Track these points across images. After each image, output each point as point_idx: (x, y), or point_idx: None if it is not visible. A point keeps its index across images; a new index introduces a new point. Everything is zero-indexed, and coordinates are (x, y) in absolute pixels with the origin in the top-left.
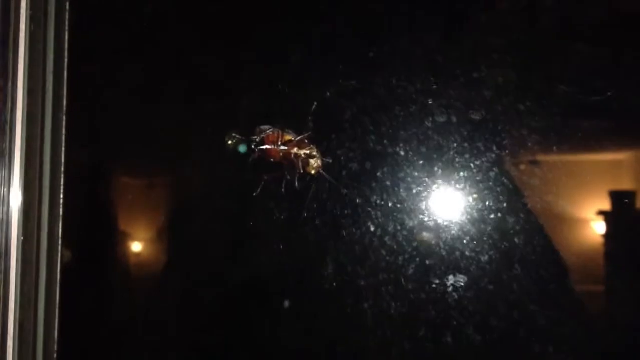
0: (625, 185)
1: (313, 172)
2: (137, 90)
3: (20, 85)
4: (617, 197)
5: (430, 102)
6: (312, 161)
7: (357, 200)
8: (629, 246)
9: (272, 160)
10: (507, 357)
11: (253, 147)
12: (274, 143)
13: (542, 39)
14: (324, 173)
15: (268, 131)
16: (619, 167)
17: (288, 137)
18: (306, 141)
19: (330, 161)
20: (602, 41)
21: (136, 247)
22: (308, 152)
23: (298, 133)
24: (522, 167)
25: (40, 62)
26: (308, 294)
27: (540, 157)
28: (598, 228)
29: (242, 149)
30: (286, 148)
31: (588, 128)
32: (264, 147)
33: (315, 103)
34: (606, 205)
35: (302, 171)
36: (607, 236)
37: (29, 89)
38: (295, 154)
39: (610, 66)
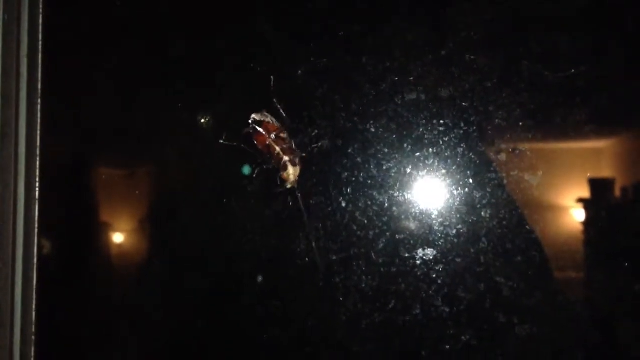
0: (605, 173)
1: (289, 183)
2: (115, 76)
3: None
4: (596, 184)
5: (399, 79)
6: (290, 168)
7: (328, 177)
8: (608, 233)
9: (255, 143)
10: (474, 328)
11: (250, 121)
12: (268, 132)
13: (508, 17)
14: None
15: (269, 119)
16: (599, 155)
17: (282, 135)
18: (294, 148)
19: (304, 155)
20: (567, 21)
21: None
22: (288, 159)
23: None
24: (502, 154)
25: (14, 45)
26: (281, 269)
27: (520, 145)
28: (577, 215)
29: (246, 170)
30: (274, 144)
31: (567, 115)
32: (259, 129)
33: (275, 100)
34: (586, 193)
35: (279, 174)
36: (587, 223)
37: (2, 72)
38: (278, 154)
39: (575, 45)
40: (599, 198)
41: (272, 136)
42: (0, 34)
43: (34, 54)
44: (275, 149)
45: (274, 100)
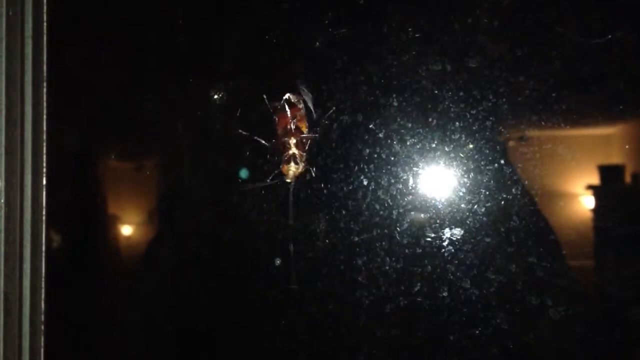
0: (614, 159)
1: (288, 178)
2: (124, 58)
3: None
4: (606, 171)
5: (423, 49)
6: (292, 165)
7: (349, 153)
8: (617, 220)
9: (276, 121)
10: (504, 311)
11: (285, 98)
12: (293, 117)
13: None
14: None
15: (301, 105)
16: (608, 142)
17: (302, 127)
18: (306, 147)
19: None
20: None
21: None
22: (296, 153)
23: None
24: (512, 142)
25: (17, 26)
26: (301, 252)
27: (530, 132)
28: (587, 202)
29: (243, 174)
30: (291, 132)
31: (579, 101)
32: (287, 109)
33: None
34: (595, 180)
35: (280, 166)
36: (596, 210)
37: (6, 54)
38: (288, 143)
39: (612, 8)
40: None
41: (293, 124)
42: (3, 14)
43: (39, 35)
44: (289, 138)
45: (299, 85)
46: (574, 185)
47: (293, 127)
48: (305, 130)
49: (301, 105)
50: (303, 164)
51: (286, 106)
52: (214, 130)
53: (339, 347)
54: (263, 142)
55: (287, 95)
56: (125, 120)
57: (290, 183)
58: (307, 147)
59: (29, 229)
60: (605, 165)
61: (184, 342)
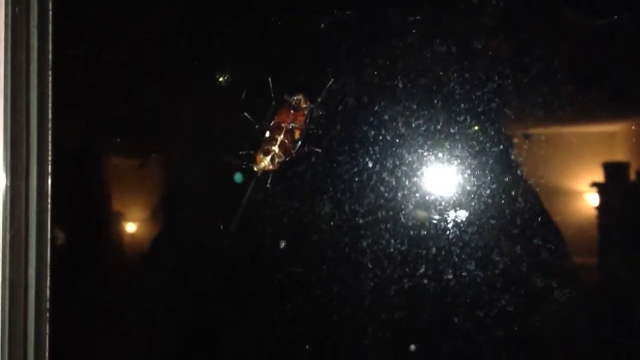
0: (619, 156)
1: (256, 167)
2: (129, 56)
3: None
4: (610, 168)
5: (428, 31)
6: (267, 160)
7: (354, 135)
8: (622, 218)
9: (277, 114)
10: (509, 293)
11: (296, 97)
12: (293, 120)
13: None
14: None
15: (306, 112)
16: (613, 139)
17: (296, 133)
18: (288, 152)
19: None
20: None
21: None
22: (277, 152)
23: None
24: (515, 140)
25: (23, 15)
26: (304, 234)
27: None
28: (591, 200)
29: (238, 178)
30: (283, 131)
31: (583, 98)
32: (292, 110)
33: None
34: (600, 177)
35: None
36: (600, 208)
37: (12, 44)
38: (275, 140)
39: None
40: None
41: (291, 125)
42: (9, 3)
43: (44, 24)
44: (279, 136)
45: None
46: (579, 173)
47: (289, 127)
48: (297, 137)
49: (306, 112)
50: (275, 166)
51: (293, 105)
52: (219, 115)
53: (343, 329)
54: (251, 119)
55: (299, 96)
56: (132, 109)
57: (256, 172)
58: (288, 153)
59: (34, 217)
60: (610, 162)
61: (187, 328)
